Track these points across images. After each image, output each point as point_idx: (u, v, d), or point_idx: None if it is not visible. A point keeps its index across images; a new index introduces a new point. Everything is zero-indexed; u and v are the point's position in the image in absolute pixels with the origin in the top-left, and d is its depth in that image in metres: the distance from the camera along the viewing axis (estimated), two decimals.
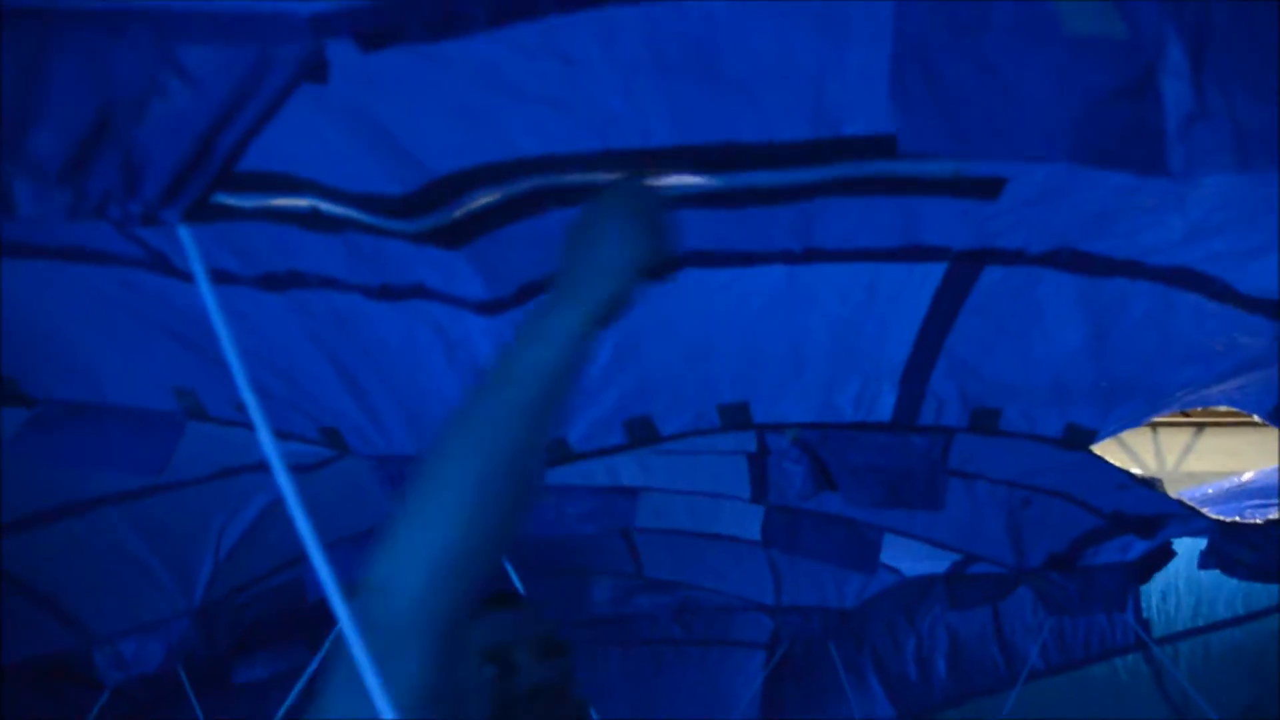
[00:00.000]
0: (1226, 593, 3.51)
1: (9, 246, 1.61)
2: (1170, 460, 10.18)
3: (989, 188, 1.45)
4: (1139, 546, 2.98)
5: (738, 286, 1.62)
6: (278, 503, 2.55)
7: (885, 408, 1.96)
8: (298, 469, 2.39)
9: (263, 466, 2.38)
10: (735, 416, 1.93)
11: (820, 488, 2.10)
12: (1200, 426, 10.08)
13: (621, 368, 1.70)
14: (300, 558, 2.78)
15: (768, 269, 1.57)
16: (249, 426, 1.94)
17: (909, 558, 3.22)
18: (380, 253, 1.46)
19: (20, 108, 0.87)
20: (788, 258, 1.59)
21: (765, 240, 1.50)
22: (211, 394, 1.91)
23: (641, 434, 1.90)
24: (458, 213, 1.36)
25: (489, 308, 1.55)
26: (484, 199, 1.36)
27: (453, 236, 1.40)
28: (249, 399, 0.98)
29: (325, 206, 1.35)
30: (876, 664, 3.89)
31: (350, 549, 2.77)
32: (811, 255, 1.57)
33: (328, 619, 3.06)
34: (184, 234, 0.93)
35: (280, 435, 1.92)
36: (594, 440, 1.87)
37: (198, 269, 0.96)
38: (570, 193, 1.31)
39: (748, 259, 1.54)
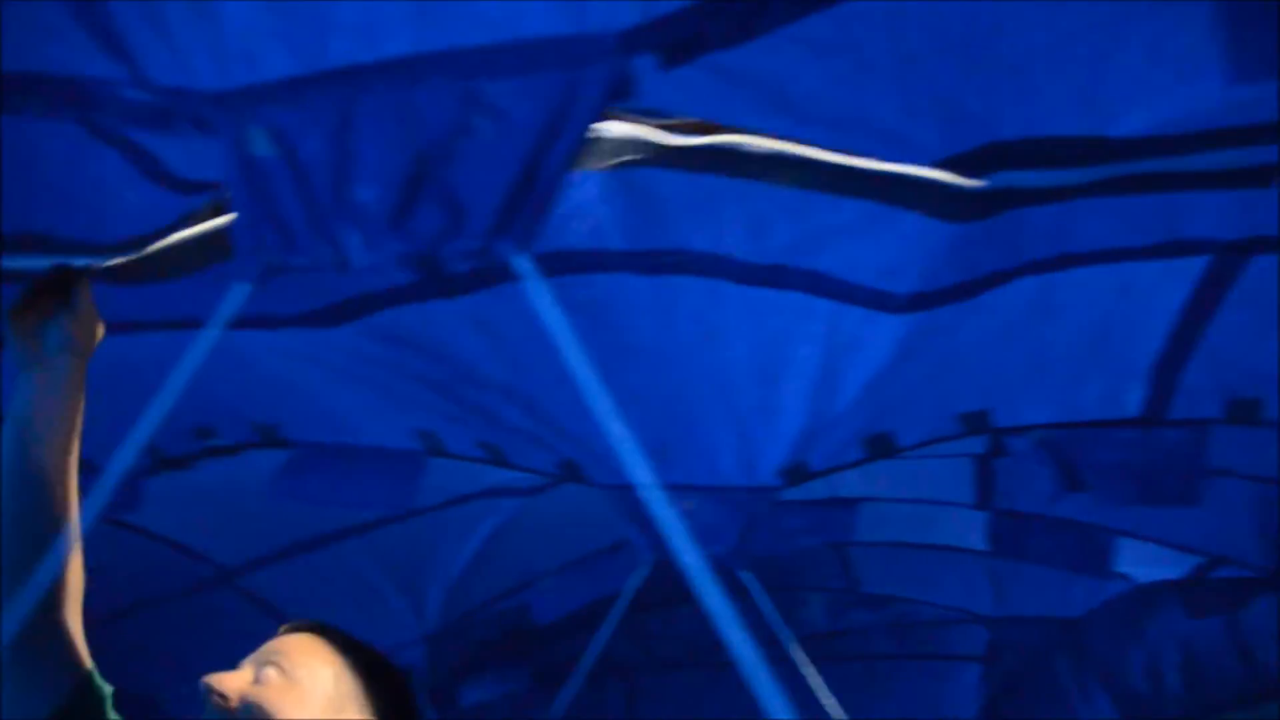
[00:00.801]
0: None
1: (266, 319, 1.72)
2: None
3: (1262, 175, 1.39)
4: None
5: (985, 308, 1.59)
6: (505, 527, 2.65)
7: (1133, 403, 1.89)
8: (521, 492, 2.52)
9: (490, 493, 2.52)
10: (975, 424, 1.90)
11: (1067, 489, 2.04)
12: None
13: (870, 399, 1.69)
14: (529, 581, 2.87)
15: (1019, 282, 1.54)
16: (488, 462, 2.05)
17: (1142, 562, 3.07)
18: None
19: (338, 166, 0.93)
20: (1038, 267, 1.55)
21: (1017, 254, 1.47)
22: (452, 433, 2.00)
23: (880, 449, 1.89)
24: None
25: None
26: None
27: None
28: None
29: None
30: (1103, 677, 3.73)
31: (578, 572, 2.87)
32: (1065, 261, 1.54)
33: (554, 641, 3.14)
34: (520, 264, 0.96)
35: (517, 468, 2.04)
36: (833, 459, 1.87)
37: (539, 296, 0.98)
38: None
39: (999, 279, 1.52)
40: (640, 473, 1.88)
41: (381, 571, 2.65)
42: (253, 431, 2.13)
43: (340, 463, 2.09)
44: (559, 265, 1.53)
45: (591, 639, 2.40)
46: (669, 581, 2.59)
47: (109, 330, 1.36)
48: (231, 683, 1.23)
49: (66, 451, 1.31)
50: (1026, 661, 3.69)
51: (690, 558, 0.89)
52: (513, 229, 0.92)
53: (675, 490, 1.91)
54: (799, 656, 2.20)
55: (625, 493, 1.95)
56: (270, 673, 1.24)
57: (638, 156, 1.31)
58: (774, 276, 1.46)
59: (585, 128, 0.89)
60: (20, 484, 1.28)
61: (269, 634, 2.04)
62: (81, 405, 1.32)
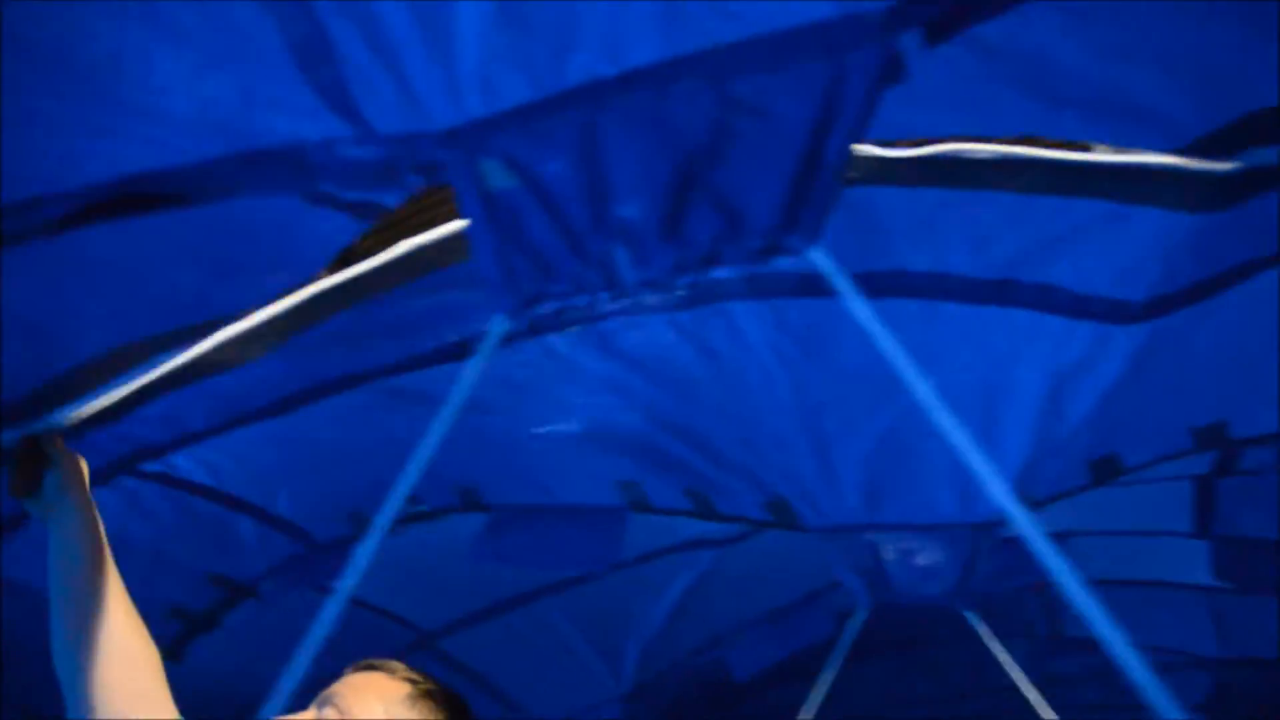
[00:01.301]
0: None
1: None
2: None
3: None
4: None
5: (1226, 306, 1.48)
6: (702, 580, 2.59)
7: None
8: (719, 543, 2.46)
9: (688, 545, 2.47)
10: (1209, 438, 1.76)
11: None
12: None
13: (1098, 419, 1.59)
14: (726, 636, 2.80)
15: (1263, 275, 1.43)
16: (694, 515, 2.01)
17: None
18: None
19: (591, 186, 0.91)
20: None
21: (1265, 243, 1.36)
22: (656, 484, 1.97)
23: (1106, 473, 1.77)
24: None
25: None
26: None
27: None
28: None
29: None
30: None
31: (776, 625, 2.79)
32: None
33: (753, 697, 3.04)
34: (818, 258, 0.92)
35: (722, 518, 1.99)
36: (1056, 487, 1.77)
37: (846, 289, 0.95)
38: None
39: (1242, 272, 1.41)
40: (865, 511, 1.83)
41: (578, 630, 2.62)
42: (454, 495, 2.15)
43: (541, 524, 2.08)
44: (772, 287, 1.50)
45: (793, 694, 2.31)
46: (883, 628, 2.51)
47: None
48: None
49: (101, 567, 1.51)
50: (1256, 711, 3.40)
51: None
52: (800, 223, 0.88)
53: (893, 530, 1.84)
54: (1035, 699, 2.06)
55: (838, 535, 1.89)
56: (329, 712, 1.39)
57: (854, 174, 1.27)
58: (999, 293, 1.38)
59: (864, 114, 0.85)
60: (74, 604, 1.49)
61: (468, 697, 2.00)
62: (99, 526, 1.52)
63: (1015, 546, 2.36)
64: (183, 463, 1.94)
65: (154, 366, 1.60)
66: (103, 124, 1.10)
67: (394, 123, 0.99)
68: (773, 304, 1.53)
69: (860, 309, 0.92)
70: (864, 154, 1.24)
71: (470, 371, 1.01)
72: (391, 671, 1.48)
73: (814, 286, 1.48)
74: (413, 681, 1.46)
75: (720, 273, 1.51)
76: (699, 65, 0.84)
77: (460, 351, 1.74)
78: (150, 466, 1.94)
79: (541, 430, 1.81)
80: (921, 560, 1.77)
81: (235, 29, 0.94)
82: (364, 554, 1.01)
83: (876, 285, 1.43)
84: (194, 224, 1.28)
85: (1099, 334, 1.43)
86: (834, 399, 1.65)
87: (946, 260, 1.37)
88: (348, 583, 1.01)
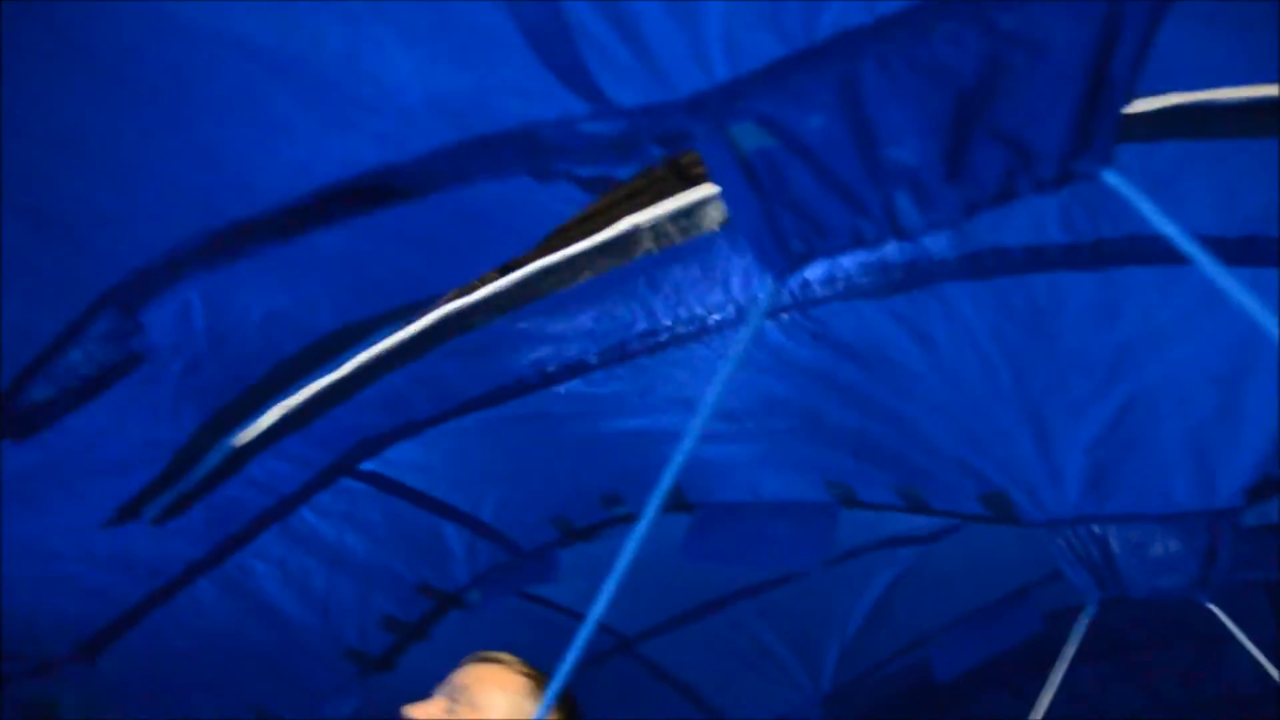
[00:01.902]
0: None
1: None
2: None
3: None
4: None
5: None
6: (903, 579, 2.52)
7: None
8: (921, 540, 2.38)
9: (888, 543, 2.41)
10: None
11: None
12: None
13: None
14: (928, 636, 2.71)
15: None
16: (906, 509, 1.95)
17: None
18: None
19: (859, 135, 0.89)
20: None
21: None
22: (867, 481, 1.92)
23: None
24: None
25: None
26: None
27: None
28: None
29: None
30: None
31: (980, 624, 2.68)
32: None
33: (956, 700, 2.92)
34: (1113, 179, 0.88)
35: (934, 513, 1.92)
36: None
37: (1149, 212, 0.90)
38: None
39: None
40: (1090, 502, 1.74)
41: (776, 633, 2.59)
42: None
43: (749, 520, 2.06)
44: (994, 265, 1.45)
45: (999, 700, 2.22)
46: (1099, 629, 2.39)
47: None
48: (425, 712, 1.48)
49: None
50: None
51: None
52: (1092, 146, 0.84)
53: (1122, 521, 1.74)
54: None
55: (1061, 528, 1.80)
56: (463, 710, 1.47)
57: None
58: (1244, 252, 1.30)
59: (1151, 27, 0.80)
60: None
61: (667, 701, 1.97)
62: None
63: (1261, 536, 2.22)
64: (397, 457, 2.00)
65: (374, 343, 1.66)
66: (337, 123, 1.15)
67: (635, 95, 0.99)
68: (994, 284, 1.47)
69: (1171, 230, 0.86)
70: None
71: (741, 339, 1.00)
72: (507, 664, 1.55)
73: (1040, 260, 1.43)
74: (528, 675, 1.54)
75: (938, 251, 1.47)
76: (960, 4, 0.81)
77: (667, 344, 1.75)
78: (367, 465, 2.01)
79: (751, 424, 1.79)
80: (1156, 551, 1.67)
81: (467, 21, 0.97)
82: (635, 538, 1.00)
83: (1102, 254, 1.37)
84: (417, 212, 1.32)
85: None
86: (1058, 384, 1.57)
87: (1187, 220, 1.29)
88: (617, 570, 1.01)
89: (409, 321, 1.63)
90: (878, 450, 1.77)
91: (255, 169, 1.23)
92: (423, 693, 2.59)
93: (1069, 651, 1.78)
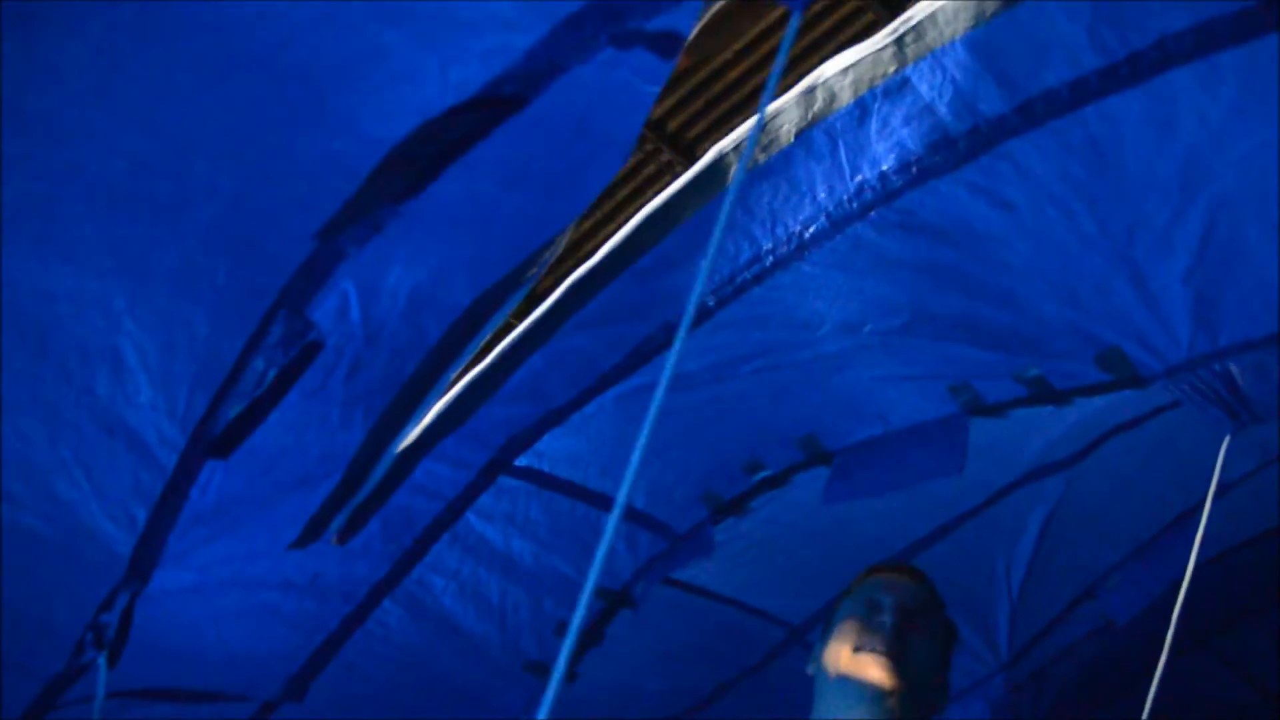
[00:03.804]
0: None
1: None
2: None
3: None
4: None
5: None
6: (1056, 516, 2.52)
7: None
8: (1061, 465, 2.40)
9: (1028, 477, 2.43)
10: None
11: None
12: None
13: None
14: (1098, 583, 2.67)
15: None
16: (1037, 401, 2.01)
17: None
18: None
19: None
20: None
21: None
22: (987, 377, 2.00)
23: None
24: None
25: None
26: None
27: None
28: None
29: None
30: None
31: (1144, 556, 2.64)
32: None
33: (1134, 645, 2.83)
34: None
35: (1060, 395, 1.98)
36: None
37: None
38: None
39: None
40: (1203, 338, 1.78)
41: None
42: (795, 449, 2.25)
43: (881, 452, 2.14)
44: (1044, 109, 1.57)
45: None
46: None
47: None
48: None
49: None
50: None
51: None
52: None
53: (1240, 351, 1.78)
54: None
55: (1181, 374, 1.84)
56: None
57: None
58: (1259, 22, 1.40)
59: None
60: None
61: None
62: None
63: None
64: (548, 449, 2.15)
65: (509, 309, 1.84)
66: (449, 54, 1.36)
67: None
68: (1050, 128, 1.59)
69: None
70: None
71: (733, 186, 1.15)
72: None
73: (1084, 91, 1.55)
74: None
75: (991, 110, 1.61)
76: None
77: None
78: (522, 461, 2.17)
79: (866, 329, 1.91)
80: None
81: None
82: None
83: (1141, 63, 1.48)
84: (516, 145, 1.52)
85: None
86: (1138, 217, 1.66)
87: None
88: None
89: (535, 278, 1.81)
90: (989, 331, 1.85)
91: (385, 122, 1.45)
92: (602, 701, 2.67)
93: (1213, 486, 1.78)
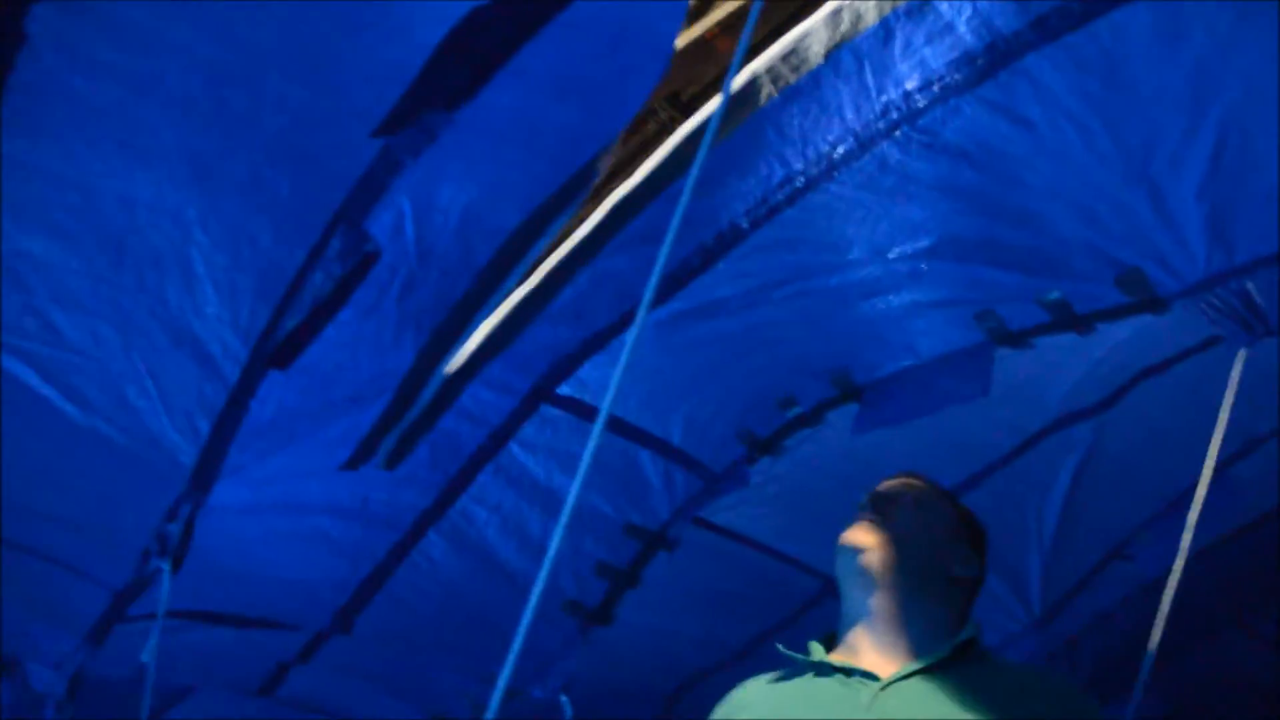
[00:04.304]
0: None
1: None
2: None
3: None
4: None
5: None
6: (1086, 465, 2.57)
7: None
8: (1090, 412, 2.46)
9: (1055, 425, 2.49)
10: None
11: None
12: None
13: None
14: (1132, 533, 2.70)
15: None
16: (1060, 328, 2.08)
17: None
18: None
19: None
20: None
21: None
22: (1010, 303, 2.07)
23: None
24: None
25: None
26: None
27: None
28: None
29: None
30: None
31: (1175, 511, 2.67)
32: None
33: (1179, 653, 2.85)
34: None
35: (1081, 321, 2.05)
36: None
37: None
38: None
39: None
40: (1220, 256, 1.85)
41: None
42: (828, 384, 2.33)
43: (910, 383, 2.22)
44: (1058, 23, 1.67)
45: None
46: None
47: None
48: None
49: None
50: None
51: None
52: None
53: (1257, 268, 1.85)
54: None
55: (1199, 293, 1.91)
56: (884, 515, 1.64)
57: None
58: None
59: None
60: None
61: None
62: None
63: None
64: (589, 377, 2.25)
65: (554, 231, 1.96)
66: None
67: None
68: (1063, 43, 1.69)
69: None
70: None
71: None
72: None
73: (1100, 3, 1.64)
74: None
75: (1007, 26, 1.71)
76: None
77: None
78: (564, 390, 2.28)
79: (893, 253, 2.00)
80: None
81: None
82: None
83: None
84: (561, 52, 1.64)
85: None
86: (1152, 133, 1.75)
87: None
88: None
89: (582, 195, 1.93)
90: (1011, 252, 1.94)
91: (439, 27, 1.58)
92: (640, 646, 2.73)
93: (1229, 397, 1.84)
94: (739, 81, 1.87)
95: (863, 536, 1.60)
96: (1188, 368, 2.31)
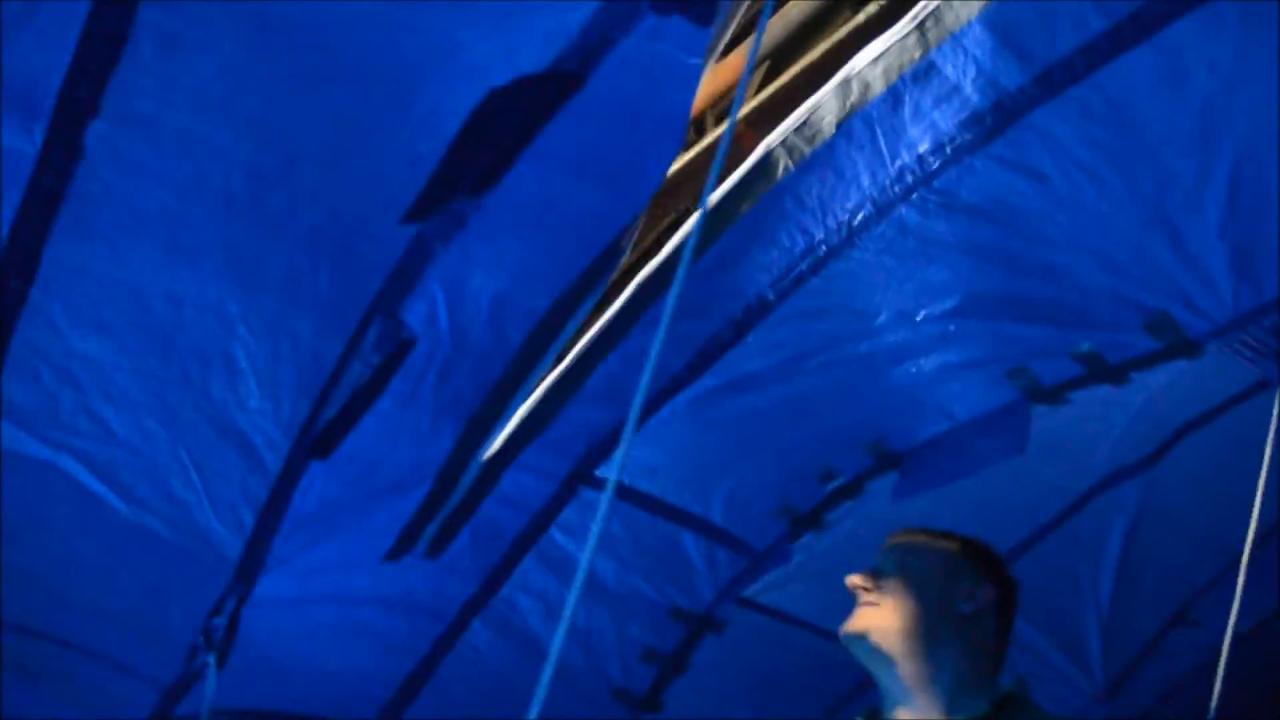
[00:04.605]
0: None
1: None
2: None
3: None
4: None
5: None
6: (1139, 525, 2.53)
7: None
8: (1136, 468, 2.43)
9: (1104, 484, 2.46)
10: None
11: None
12: None
13: None
14: (1193, 599, 2.62)
15: None
16: (1094, 380, 2.07)
17: None
18: None
19: None
20: None
21: None
22: (1043, 359, 2.08)
23: None
24: None
25: None
26: None
27: None
28: None
29: None
30: None
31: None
32: None
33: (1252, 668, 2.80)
34: None
35: (1115, 372, 2.05)
36: None
37: None
38: None
39: None
40: (1247, 294, 1.85)
41: (1025, 619, 2.58)
42: (866, 455, 2.34)
43: (948, 445, 2.22)
44: (1061, 76, 1.72)
45: None
46: None
47: None
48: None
49: None
50: None
51: None
52: None
53: None
54: None
55: (1231, 333, 1.91)
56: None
57: None
58: None
59: None
60: None
61: None
62: None
63: None
64: (627, 459, 2.28)
65: (585, 311, 2.00)
66: (504, 27, 1.57)
67: None
68: (1069, 96, 1.74)
69: None
70: None
71: None
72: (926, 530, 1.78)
73: (1095, 54, 1.69)
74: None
75: (1012, 84, 1.77)
76: None
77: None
78: (602, 471, 2.30)
79: (920, 315, 2.02)
80: None
81: None
82: None
83: (1147, 17, 1.63)
84: (580, 133, 1.71)
85: None
86: (1164, 173, 1.78)
87: None
88: None
89: (609, 275, 1.98)
90: (1037, 306, 1.96)
91: (463, 116, 1.67)
92: None
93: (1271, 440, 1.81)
94: (752, 159, 1.94)
95: (860, 621, 1.64)
96: (1234, 418, 2.29)
